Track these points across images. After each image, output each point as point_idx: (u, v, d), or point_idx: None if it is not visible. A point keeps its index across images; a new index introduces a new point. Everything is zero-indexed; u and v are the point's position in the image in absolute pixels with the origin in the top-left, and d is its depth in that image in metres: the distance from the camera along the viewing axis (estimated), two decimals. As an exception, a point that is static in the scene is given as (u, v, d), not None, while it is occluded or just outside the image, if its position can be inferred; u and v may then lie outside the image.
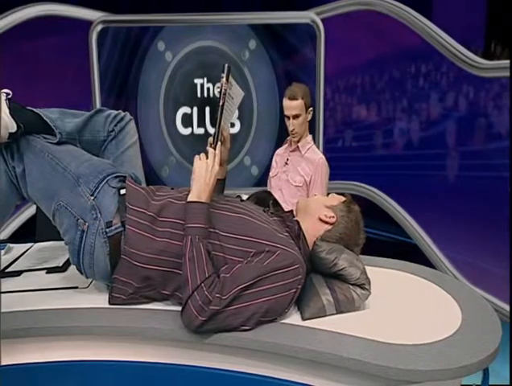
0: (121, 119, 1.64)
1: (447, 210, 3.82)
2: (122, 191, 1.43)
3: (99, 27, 3.94)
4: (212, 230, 1.32)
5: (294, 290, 1.28)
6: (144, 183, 1.61)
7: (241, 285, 1.22)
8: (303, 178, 2.46)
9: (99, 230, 1.38)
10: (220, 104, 1.39)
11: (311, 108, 2.48)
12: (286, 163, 2.54)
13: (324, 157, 2.48)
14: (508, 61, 3.54)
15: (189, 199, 1.34)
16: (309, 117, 2.50)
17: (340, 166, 3.94)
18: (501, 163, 3.60)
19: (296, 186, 2.47)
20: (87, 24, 3.89)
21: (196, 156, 1.38)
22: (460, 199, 3.79)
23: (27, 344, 1.34)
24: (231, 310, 1.22)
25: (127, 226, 1.36)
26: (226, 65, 1.40)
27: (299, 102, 2.41)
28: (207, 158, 1.37)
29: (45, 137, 1.51)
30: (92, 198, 1.40)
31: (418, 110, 3.91)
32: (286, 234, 1.39)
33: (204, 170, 1.35)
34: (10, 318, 1.33)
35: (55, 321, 1.34)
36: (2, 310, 1.28)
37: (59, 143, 1.51)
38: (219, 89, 1.40)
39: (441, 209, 3.84)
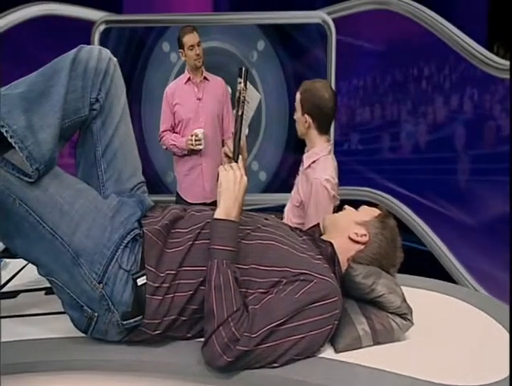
0: (105, 74, 1.23)
1: (463, 216, 3.69)
2: (140, 281, 1.14)
3: (102, 27, 3.82)
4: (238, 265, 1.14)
5: (330, 326, 1.13)
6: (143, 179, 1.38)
7: (273, 323, 1.07)
8: (299, 197, 2.02)
9: (113, 321, 1.16)
10: (239, 113, 1.23)
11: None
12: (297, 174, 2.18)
13: (328, 176, 1.92)
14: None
15: (216, 215, 1.16)
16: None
17: (350, 171, 3.82)
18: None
19: (294, 205, 2.06)
20: (89, 24, 3.76)
21: (221, 166, 1.21)
22: (475, 204, 3.66)
23: (24, 379, 1.18)
24: (260, 349, 1.07)
25: (147, 295, 1.15)
26: (244, 68, 1.23)
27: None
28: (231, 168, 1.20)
29: (13, 169, 1.09)
30: (101, 286, 1.14)
31: (425, 113, 3.79)
32: (320, 256, 1.23)
33: (233, 182, 1.17)
34: (6, 351, 1.17)
35: (54, 354, 1.19)
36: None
37: (36, 181, 1.11)
38: (236, 96, 1.23)
39: (457, 215, 3.71)
